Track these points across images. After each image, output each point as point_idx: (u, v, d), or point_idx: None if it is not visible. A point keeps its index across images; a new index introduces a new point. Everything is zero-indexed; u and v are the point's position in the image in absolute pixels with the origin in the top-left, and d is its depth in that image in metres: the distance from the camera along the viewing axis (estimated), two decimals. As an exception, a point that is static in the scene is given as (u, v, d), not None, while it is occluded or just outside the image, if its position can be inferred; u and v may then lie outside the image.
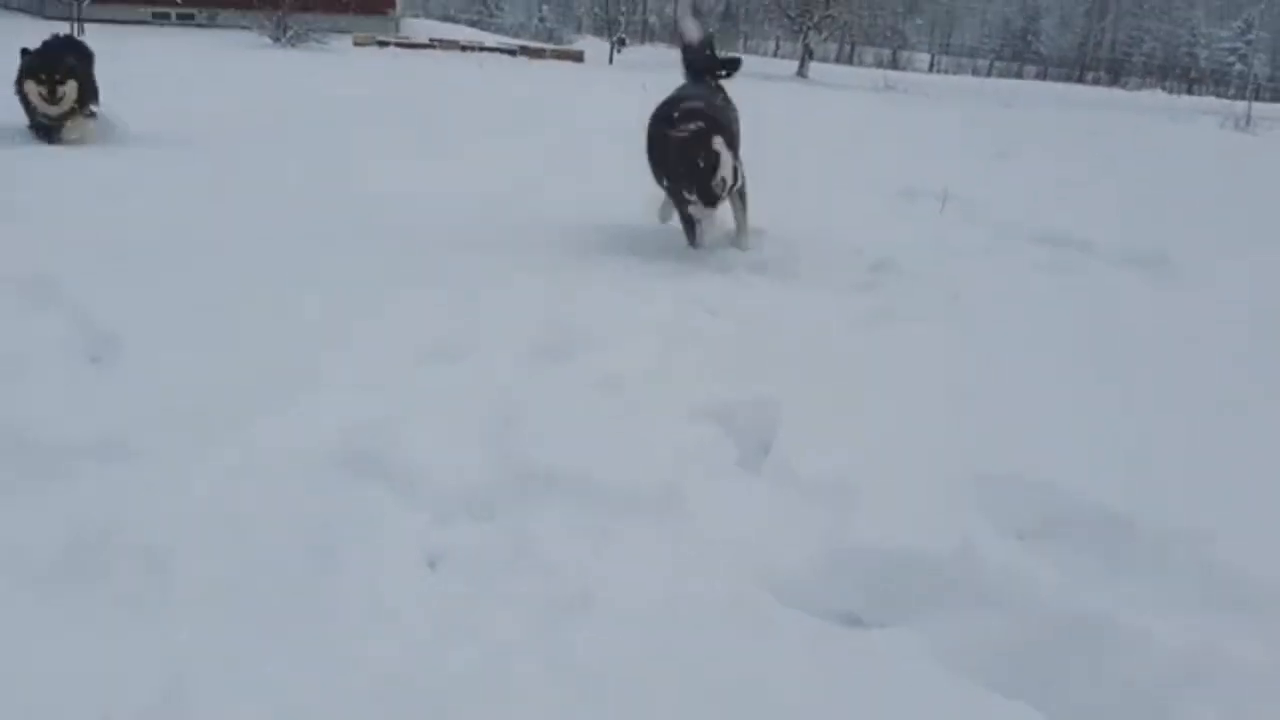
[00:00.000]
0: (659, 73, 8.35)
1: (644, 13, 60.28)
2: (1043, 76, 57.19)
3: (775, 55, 49.37)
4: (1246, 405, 3.58)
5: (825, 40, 43.10)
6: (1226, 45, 66.44)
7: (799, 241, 5.44)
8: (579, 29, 53.15)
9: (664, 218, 5.53)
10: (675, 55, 6.16)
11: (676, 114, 5.05)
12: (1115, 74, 59.31)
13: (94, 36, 8.25)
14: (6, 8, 28.40)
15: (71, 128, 7.30)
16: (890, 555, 2.46)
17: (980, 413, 3.33)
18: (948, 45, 71.16)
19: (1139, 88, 52.67)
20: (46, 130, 7.32)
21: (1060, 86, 46.76)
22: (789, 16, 40.66)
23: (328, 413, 3.03)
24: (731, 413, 3.20)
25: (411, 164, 7.51)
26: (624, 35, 38.01)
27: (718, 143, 4.83)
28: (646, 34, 55.39)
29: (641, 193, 5.56)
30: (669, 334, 3.96)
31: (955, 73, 56.58)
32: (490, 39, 33.75)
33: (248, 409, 3.04)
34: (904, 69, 51.89)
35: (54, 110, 7.23)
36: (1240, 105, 26.57)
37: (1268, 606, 2.31)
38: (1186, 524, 2.57)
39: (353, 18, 28.98)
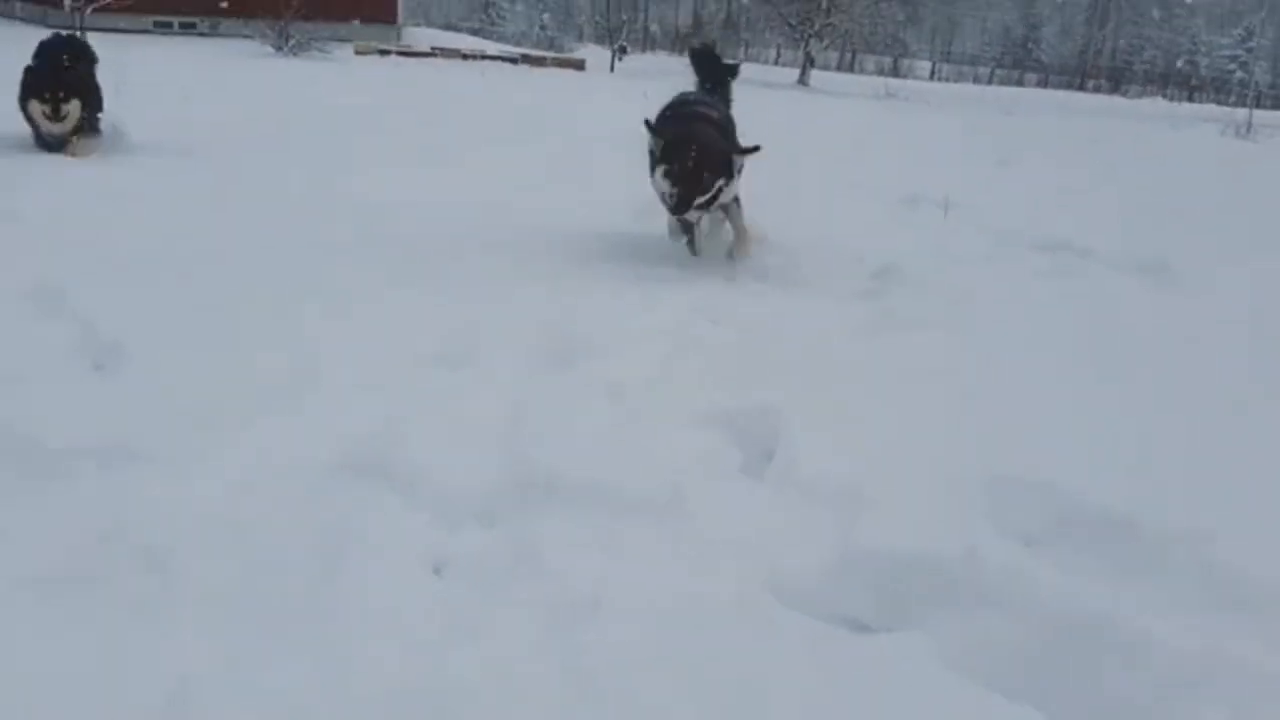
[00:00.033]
0: (660, 80, 8.38)
1: (645, 21, 60.42)
2: (1043, 84, 57.17)
3: (776, 63, 49.40)
4: (1247, 408, 3.59)
5: (826, 48, 43.22)
6: (1227, 53, 66.44)
7: (801, 249, 5.45)
8: (580, 37, 53.22)
9: (674, 237, 5.46)
10: (675, 63, 6.19)
11: (676, 115, 5.10)
12: (1116, 82, 59.32)
13: (96, 45, 8.22)
14: (9, 17, 28.48)
15: (77, 144, 7.25)
16: (894, 559, 2.46)
17: (983, 417, 3.33)
18: (949, 53, 71.23)
19: (1140, 95, 52.72)
20: (51, 144, 7.29)
21: (1061, 94, 46.79)
22: (790, 24, 40.74)
23: (331, 418, 3.04)
24: (735, 419, 3.21)
25: (413, 172, 7.53)
26: (625, 43, 38.04)
27: (705, 160, 4.84)
28: (647, 42, 55.49)
29: (642, 200, 5.57)
30: (672, 341, 3.97)
31: (956, 80, 56.71)
32: (492, 47, 33.81)
33: (251, 415, 3.05)
34: (905, 77, 51.89)
35: (58, 129, 7.20)
36: (1241, 113, 26.63)
37: (1269, 607, 2.32)
38: (1188, 525, 2.57)
39: (355, 26, 29.06)
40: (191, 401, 3.11)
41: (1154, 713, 2.04)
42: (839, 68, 53.63)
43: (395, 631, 2.17)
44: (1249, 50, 60.02)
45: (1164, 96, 52.42)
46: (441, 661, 2.10)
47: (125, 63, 9.10)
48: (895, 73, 52.79)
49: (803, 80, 38.16)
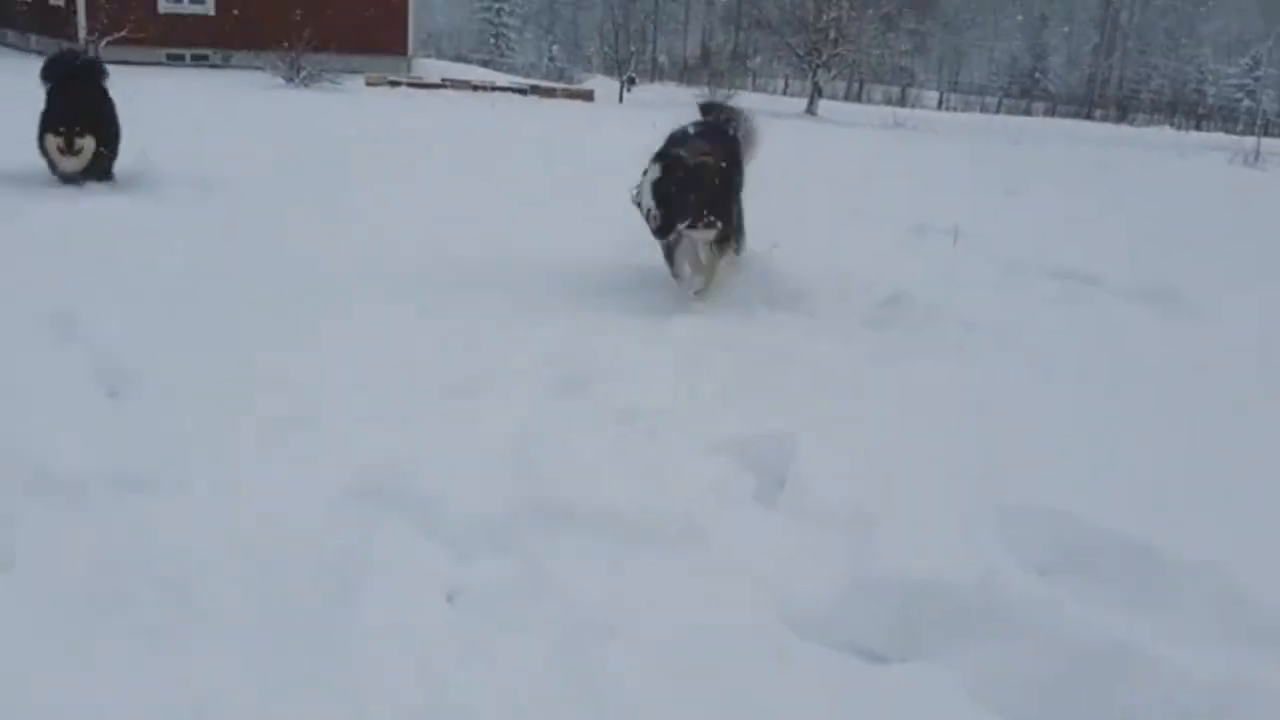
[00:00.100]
0: (668, 111, 8.43)
1: (653, 52, 60.82)
2: (1051, 113, 57.26)
3: (784, 93, 49.59)
4: (1256, 434, 3.59)
5: (834, 78, 43.35)
6: (1234, 82, 66.64)
7: (810, 277, 5.46)
8: (589, 68, 53.49)
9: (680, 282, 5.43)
10: (684, 94, 6.18)
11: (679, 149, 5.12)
12: (1123, 110, 59.37)
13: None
14: (24, 49, 28.77)
15: (92, 179, 7.24)
16: (908, 586, 2.46)
17: (994, 444, 3.33)
18: (956, 83, 71.51)
19: (1147, 124, 52.79)
20: (66, 179, 7.28)
21: (1068, 123, 46.85)
22: (798, 55, 40.92)
23: (345, 446, 3.05)
24: (747, 446, 3.21)
25: (425, 202, 7.57)
26: (634, 74, 38.27)
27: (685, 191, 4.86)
28: (656, 73, 55.83)
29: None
30: (684, 368, 3.98)
31: (964, 110, 56.80)
32: (502, 79, 34.01)
33: (266, 443, 3.07)
34: (913, 106, 52.08)
35: (72, 165, 7.20)
36: (1249, 141, 26.62)
37: (1289, 636, 2.30)
38: (1207, 554, 2.56)
39: (365, 58, 29.25)
40: (207, 429, 3.13)
41: (1173, 742, 2.04)
42: (846, 97, 53.84)
43: (409, 658, 2.18)
44: (1256, 79, 60.29)
45: (1171, 125, 52.46)
46: (455, 688, 2.10)
47: (138, 95, 9.16)
48: (903, 102, 52.93)
49: (810, 110, 38.31)
